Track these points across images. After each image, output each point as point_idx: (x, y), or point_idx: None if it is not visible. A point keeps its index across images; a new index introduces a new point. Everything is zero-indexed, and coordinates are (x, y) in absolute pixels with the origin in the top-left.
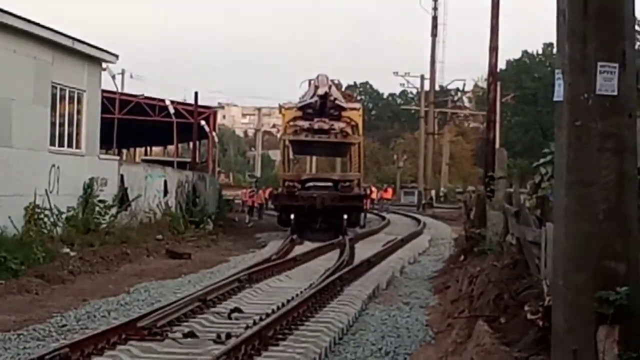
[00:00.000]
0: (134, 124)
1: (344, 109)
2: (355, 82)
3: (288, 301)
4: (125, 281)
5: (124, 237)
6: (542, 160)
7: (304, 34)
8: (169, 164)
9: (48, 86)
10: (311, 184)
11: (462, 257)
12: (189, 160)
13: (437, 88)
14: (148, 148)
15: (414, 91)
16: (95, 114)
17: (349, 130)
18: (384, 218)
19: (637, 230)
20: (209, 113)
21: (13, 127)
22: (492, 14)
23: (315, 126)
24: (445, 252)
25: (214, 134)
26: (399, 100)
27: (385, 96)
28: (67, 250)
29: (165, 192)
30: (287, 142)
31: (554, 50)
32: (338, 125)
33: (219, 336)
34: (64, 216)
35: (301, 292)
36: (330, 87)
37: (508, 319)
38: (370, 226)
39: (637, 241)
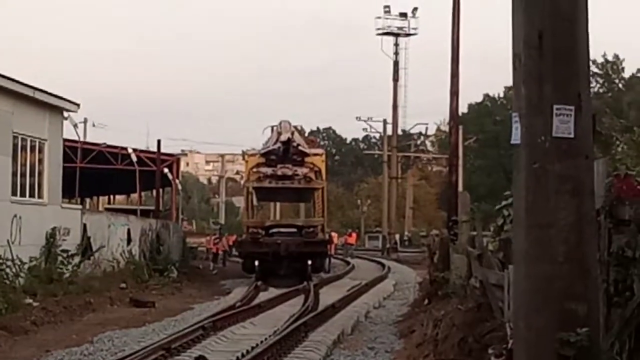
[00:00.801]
0: (97, 172)
1: (307, 154)
2: (318, 128)
3: (252, 348)
4: (88, 331)
5: (87, 287)
6: (504, 203)
7: (264, 80)
8: (133, 212)
9: (9, 136)
10: (275, 230)
11: (426, 301)
12: (152, 208)
13: (399, 132)
14: (111, 196)
15: (377, 136)
16: (57, 163)
17: (312, 175)
18: (348, 263)
19: (596, 271)
20: (172, 160)
21: None
22: (452, 59)
23: (279, 172)
24: (410, 296)
25: (177, 181)
26: (362, 145)
27: (348, 141)
28: (30, 300)
29: (129, 240)
30: (250, 189)
31: None
32: (301, 170)
33: None
34: (26, 266)
35: (266, 339)
36: (292, 133)
37: None
38: (335, 271)
39: (596, 282)
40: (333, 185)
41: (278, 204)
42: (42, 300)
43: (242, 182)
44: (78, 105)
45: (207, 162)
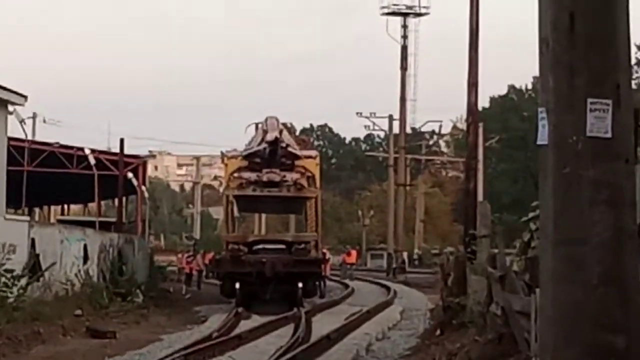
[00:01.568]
0: (48, 177)
1: (297, 157)
2: (311, 125)
3: None
4: None
5: (36, 314)
6: (531, 215)
7: (249, 69)
8: (90, 224)
9: None
10: (260, 246)
11: (439, 331)
12: (114, 220)
13: (408, 130)
14: (65, 206)
15: (382, 134)
16: None
17: (303, 182)
18: (347, 286)
19: (638, 295)
20: (138, 163)
21: None
22: (470, 44)
23: (264, 178)
24: (420, 325)
25: (143, 188)
26: (363, 146)
27: (347, 141)
28: None
29: (86, 258)
30: (231, 198)
31: None
32: (291, 176)
33: None
34: None
35: None
36: (281, 132)
37: None
38: (331, 296)
39: (638, 309)
40: (329, 194)
41: (263, 215)
42: None
43: (220, 189)
44: (26, 97)
45: (180, 166)
